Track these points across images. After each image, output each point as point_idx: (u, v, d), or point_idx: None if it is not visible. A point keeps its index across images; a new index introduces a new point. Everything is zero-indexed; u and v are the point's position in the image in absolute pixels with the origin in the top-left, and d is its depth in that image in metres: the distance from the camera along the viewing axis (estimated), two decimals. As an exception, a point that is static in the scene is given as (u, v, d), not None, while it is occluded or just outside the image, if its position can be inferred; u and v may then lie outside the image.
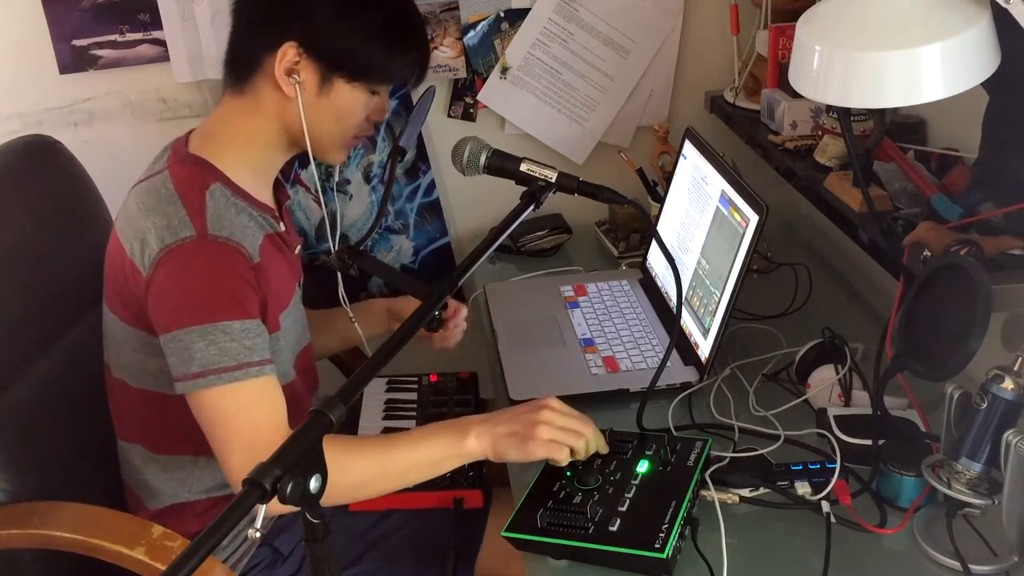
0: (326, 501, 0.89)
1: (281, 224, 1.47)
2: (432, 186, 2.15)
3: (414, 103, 1.97)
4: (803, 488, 1.25)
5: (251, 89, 1.39)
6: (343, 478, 0.94)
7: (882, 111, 1.55)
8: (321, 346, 1.74)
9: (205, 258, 1.30)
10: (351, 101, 1.40)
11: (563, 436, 1.27)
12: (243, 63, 1.39)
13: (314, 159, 1.42)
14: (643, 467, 1.28)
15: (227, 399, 1.28)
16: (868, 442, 1.30)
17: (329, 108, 1.39)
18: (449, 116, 2.13)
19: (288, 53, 1.34)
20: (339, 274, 1.58)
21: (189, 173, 1.36)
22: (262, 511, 0.83)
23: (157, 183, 1.36)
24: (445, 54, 2.05)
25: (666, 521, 1.17)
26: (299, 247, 1.56)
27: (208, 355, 1.26)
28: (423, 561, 1.50)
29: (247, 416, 1.28)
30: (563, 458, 1.27)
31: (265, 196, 1.45)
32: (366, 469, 1.30)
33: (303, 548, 1.10)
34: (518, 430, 1.27)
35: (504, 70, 2.09)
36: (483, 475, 1.55)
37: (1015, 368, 1.12)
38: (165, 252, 1.29)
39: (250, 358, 1.28)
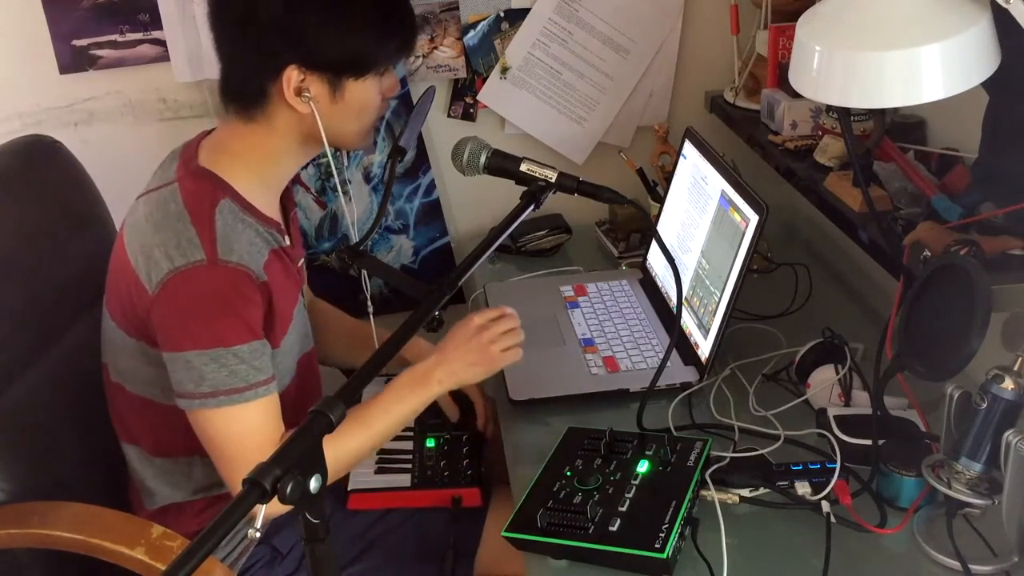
0: None
1: (287, 238, 1.47)
2: (432, 186, 2.15)
3: (414, 103, 1.97)
4: (803, 488, 1.25)
5: (262, 116, 1.37)
6: (335, 466, 0.95)
7: (882, 111, 1.55)
8: (339, 357, 1.76)
9: (217, 284, 1.29)
10: (366, 94, 1.38)
11: (509, 340, 1.44)
12: (248, 97, 1.37)
13: (313, 160, 1.42)
14: (643, 467, 1.28)
15: (233, 418, 1.30)
16: (868, 442, 1.30)
17: (347, 109, 1.37)
18: (449, 116, 2.13)
19: (292, 76, 1.32)
20: (364, 280, 1.60)
21: (199, 187, 1.35)
22: (262, 511, 0.83)
23: (166, 196, 1.34)
24: (445, 54, 2.05)
25: (666, 521, 1.17)
26: (302, 260, 1.56)
27: (219, 377, 1.28)
28: (422, 560, 1.50)
29: (253, 435, 1.31)
30: (520, 358, 1.44)
31: (273, 211, 1.45)
32: (353, 448, 1.37)
33: (302, 546, 1.10)
34: (475, 359, 1.42)
35: (504, 70, 2.08)
36: (482, 473, 1.55)
37: (1015, 368, 1.12)
38: (174, 274, 1.28)
39: (258, 378, 1.31)
